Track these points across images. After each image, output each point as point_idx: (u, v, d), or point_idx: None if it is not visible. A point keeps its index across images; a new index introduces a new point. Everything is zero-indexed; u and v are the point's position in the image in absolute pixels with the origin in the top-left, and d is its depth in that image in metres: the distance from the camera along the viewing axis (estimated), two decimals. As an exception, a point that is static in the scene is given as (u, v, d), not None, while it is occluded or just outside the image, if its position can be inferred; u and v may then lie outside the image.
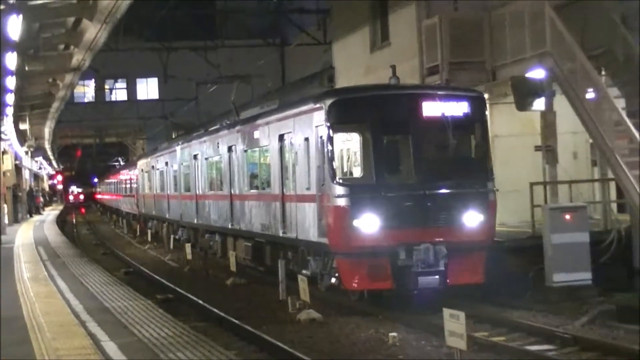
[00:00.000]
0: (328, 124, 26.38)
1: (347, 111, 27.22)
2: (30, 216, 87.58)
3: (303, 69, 67.69)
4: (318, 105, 27.39)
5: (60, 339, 18.38)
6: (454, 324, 18.11)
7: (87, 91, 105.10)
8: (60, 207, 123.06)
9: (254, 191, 36.00)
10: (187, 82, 72.80)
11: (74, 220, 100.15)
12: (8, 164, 69.31)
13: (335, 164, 26.45)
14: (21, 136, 75.48)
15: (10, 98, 49.29)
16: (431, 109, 26.87)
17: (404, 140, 26.97)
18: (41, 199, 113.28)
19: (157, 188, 61.58)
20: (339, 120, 26.87)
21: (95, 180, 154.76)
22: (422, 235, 25.69)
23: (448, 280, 25.91)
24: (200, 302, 29.61)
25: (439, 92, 28.38)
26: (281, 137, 31.04)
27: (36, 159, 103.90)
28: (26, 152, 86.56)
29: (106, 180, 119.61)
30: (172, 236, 55.56)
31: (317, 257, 28.37)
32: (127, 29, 55.58)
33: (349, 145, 28.40)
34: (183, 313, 27.26)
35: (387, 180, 26.56)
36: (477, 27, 34.36)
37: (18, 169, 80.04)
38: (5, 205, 64.83)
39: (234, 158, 38.52)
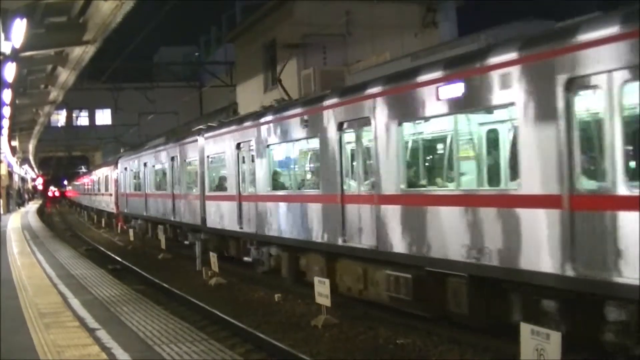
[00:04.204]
0: None
1: None
2: (19, 208, 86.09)
3: (215, 104, 67.61)
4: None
5: (39, 296, 18.20)
6: (322, 287, 18.19)
7: (60, 118, 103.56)
8: (40, 202, 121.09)
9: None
10: (131, 113, 72.57)
11: (50, 211, 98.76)
12: (3, 170, 68.77)
13: None
14: (12, 150, 74.48)
15: (5, 123, 48.69)
16: None
17: None
18: (26, 196, 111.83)
19: (152, 187, 42.23)
20: None
21: (65, 182, 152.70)
22: None
23: None
24: (140, 270, 29.48)
25: None
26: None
27: (23, 166, 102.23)
28: (16, 162, 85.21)
29: (75, 182, 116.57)
30: (117, 222, 54.66)
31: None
32: (90, 74, 54.93)
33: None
34: (127, 279, 26.96)
35: None
36: (340, 76, 34.53)
37: (10, 174, 78.84)
38: (1, 200, 64.12)
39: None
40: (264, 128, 24.00)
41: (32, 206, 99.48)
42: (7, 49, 25.47)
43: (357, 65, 36.05)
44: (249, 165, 25.58)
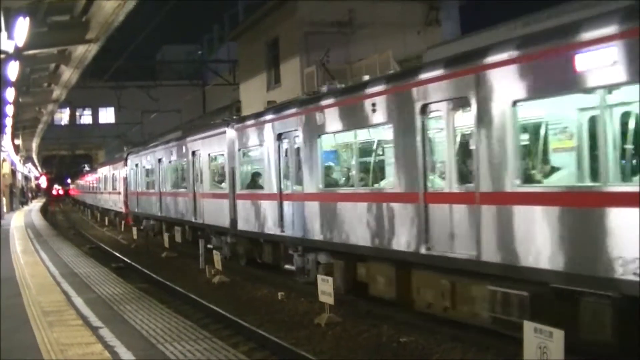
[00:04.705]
0: None
1: None
2: (22, 206, 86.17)
3: (218, 103, 67.55)
4: None
5: (42, 294, 18.21)
6: (325, 285, 18.09)
7: (63, 117, 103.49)
8: (43, 200, 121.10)
9: None
10: (134, 111, 72.50)
11: (53, 210, 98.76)
12: (6, 168, 68.86)
13: None
14: (16, 149, 74.54)
15: (8, 121, 48.74)
16: None
17: None
18: (29, 194, 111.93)
19: (168, 184, 38.27)
20: None
21: (68, 180, 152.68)
22: None
23: None
24: (143, 269, 29.45)
25: None
26: None
27: (26, 165, 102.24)
28: (19, 160, 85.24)
29: (79, 181, 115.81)
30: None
31: None
32: (93, 73, 54.84)
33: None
34: (131, 277, 26.95)
35: None
36: (342, 74, 34.63)
37: (13, 172, 78.90)
38: (4, 198, 64.13)
39: None
40: (314, 115, 20.47)
41: (36, 204, 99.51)
42: (10, 47, 25.46)
43: (360, 64, 36.13)
44: (293, 159, 22.19)
